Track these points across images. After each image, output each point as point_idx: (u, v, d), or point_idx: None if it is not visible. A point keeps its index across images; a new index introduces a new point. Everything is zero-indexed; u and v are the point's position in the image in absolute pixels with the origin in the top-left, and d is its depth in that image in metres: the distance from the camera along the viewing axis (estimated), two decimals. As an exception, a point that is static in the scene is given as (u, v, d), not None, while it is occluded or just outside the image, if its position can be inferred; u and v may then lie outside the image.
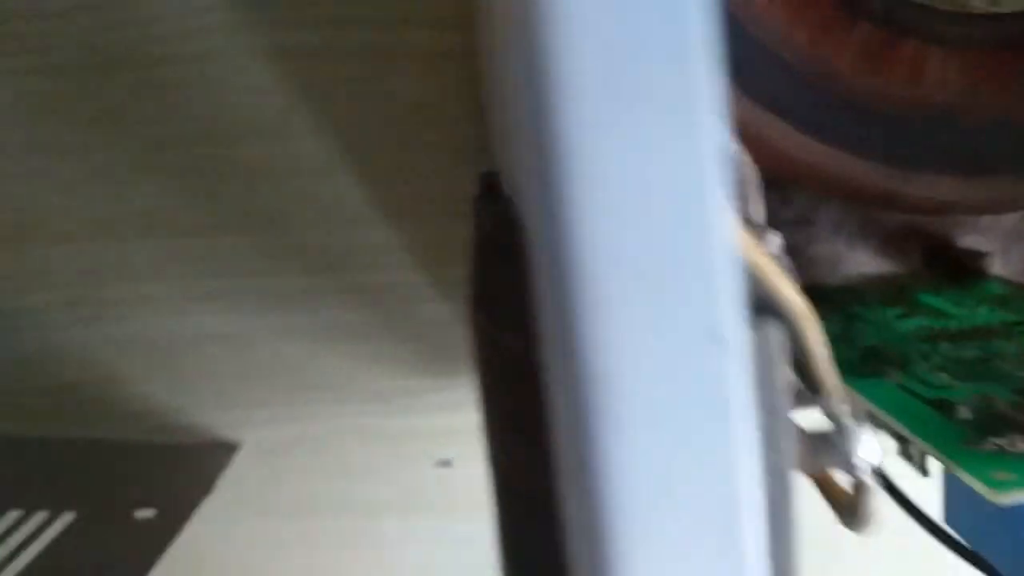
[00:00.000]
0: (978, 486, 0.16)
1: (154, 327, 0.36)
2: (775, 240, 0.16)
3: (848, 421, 0.13)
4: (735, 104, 0.22)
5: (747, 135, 0.22)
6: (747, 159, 0.15)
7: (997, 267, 0.32)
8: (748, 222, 0.16)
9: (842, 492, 0.14)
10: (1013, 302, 0.26)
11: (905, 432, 0.18)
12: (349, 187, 0.36)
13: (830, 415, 0.13)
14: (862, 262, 0.32)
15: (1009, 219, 0.32)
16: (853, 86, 0.23)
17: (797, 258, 0.31)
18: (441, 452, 0.38)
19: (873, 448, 0.13)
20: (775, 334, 0.13)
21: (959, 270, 0.30)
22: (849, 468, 0.13)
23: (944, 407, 0.19)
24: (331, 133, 0.36)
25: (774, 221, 0.32)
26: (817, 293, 0.29)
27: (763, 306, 0.13)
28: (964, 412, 0.19)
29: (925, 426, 0.18)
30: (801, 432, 0.13)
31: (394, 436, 0.38)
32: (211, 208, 0.36)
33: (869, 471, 0.13)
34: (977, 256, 0.30)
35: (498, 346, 0.11)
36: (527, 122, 0.09)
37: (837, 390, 0.13)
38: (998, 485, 0.16)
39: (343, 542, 0.38)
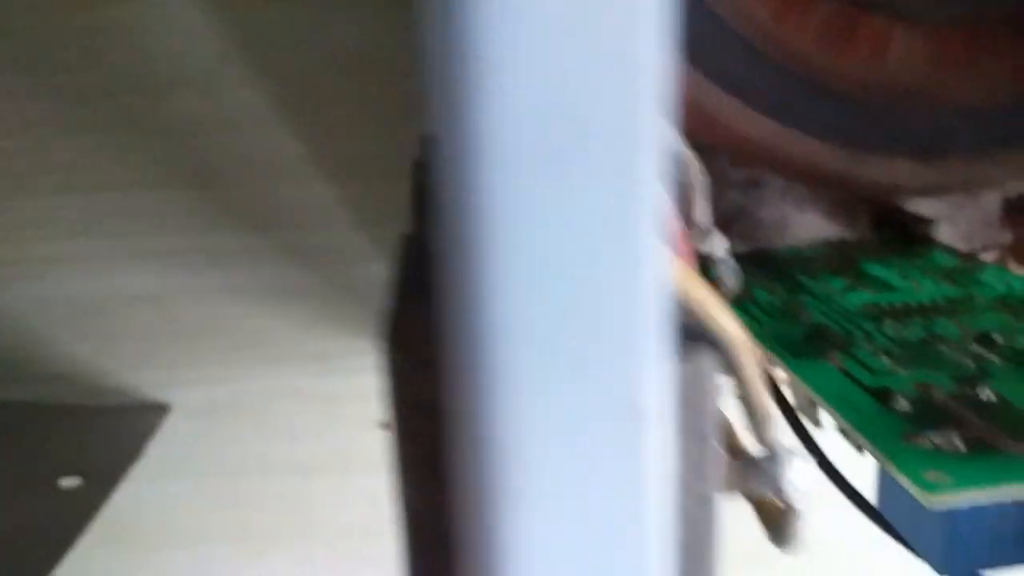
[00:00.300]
0: (910, 487, 0.16)
1: (80, 287, 0.35)
2: (720, 243, 0.16)
3: (780, 449, 0.12)
4: (690, 81, 0.21)
5: (701, 113, 0.21)
6: (694, 163, 0.15)
7: (944, 233, 0.32)
8: (692, 226, 0.15)
9: (774, 511, 0.13)
10: (958, 275, 0.25)
11: (844, 424, 0.18)
12: (286, 142, 0.34)
13: (763, 441, 0.13)
14: (810, 226, 0.31)
15: (959, 184, 0.31)
16: (814, 65, 0.22)
17: (745, 221, 0.31)
18: (381, 414, 0.37)
19: (803, 474, 0.13)
20: (708, 362, 0.12)
21: (906, 236, 0.30)
22: (778, 493, 0.12)
23: (884, 397, 0.19)
24: (267, 84, 0.34)
25: (723, 183, 0.31)
26: (763, 259, 0.29)
27: (697, 333, 0.12)
28: (903, 403, 0.18)
29: (863, 417, 0.18)
30: (734, 461, 0.13)
31: (331, 398, 0.37)
32: (138, 163, 0.34)
33: (798, 496, 0.12)
34: (924, 222, 0.30)
35: (409, 385, 0.10)
36: (446, 164, 0.08)
37: (769, 418, 0.12)
38: (930, 487, 0.15)
39: (278, 504, 0.38)
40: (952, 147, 0.23)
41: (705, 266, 0.18)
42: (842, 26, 0.22)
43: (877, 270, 0.26)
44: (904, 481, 0.16)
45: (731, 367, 0.12)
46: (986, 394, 0.18)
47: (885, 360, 0.20)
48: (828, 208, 0.31)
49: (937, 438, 0.17)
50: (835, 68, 0.22)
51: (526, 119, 0.07)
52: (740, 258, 0.29)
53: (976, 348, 0.20)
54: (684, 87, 0.21)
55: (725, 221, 0.31)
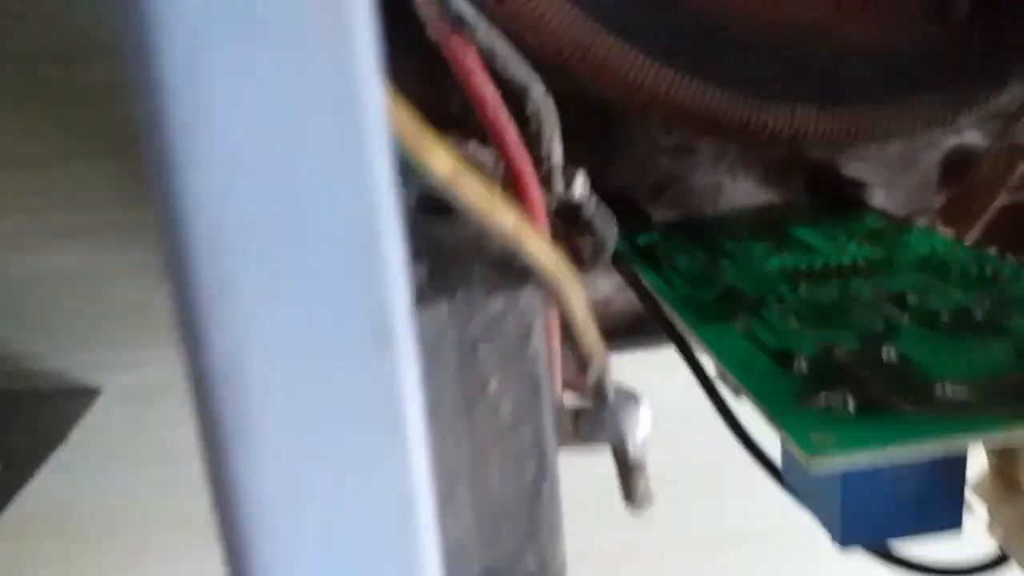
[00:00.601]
0: (794, 448, 0.15)
1: (1, 265, 0.33)
2: (579, 179, 0.15)
3: (613, 395, 0.12)
4: (577, 24, 0.20)
5: (589, 57, 0.20)
6: (546, 98, 0.14)
7: (880, 199, 0.31)
8: (540, 163, 0.14)
9: (623, 466, 0.13)
10: (884, 237, 0.25)
11: (741, 387, 0.17)
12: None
13: (595, 389, 0.12)
14: (745, 192, 0.31)
15: (894, 148, 0.31)
16: (706, 8, 0.21)
17: (678, 187, 0.30)
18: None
19: (644, 423, 0.12)
20: (533, 301, 0.11)
21: (841, 201, 0.29)
22: (620, 445, 0.12)
23: (784, 359, 0.18)
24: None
25: (654, 149, 0.30)
26: (693, 226, 0.28)
27: (523, 271, 0.11)
28: (802, 365, 0.18)
29: (759, 380, 0.17)
30: (569, 408, 0.12)
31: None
32: (58, 135, 0.33)
33: (638, 448, 0.12)
34: (859, 186, 0.29)
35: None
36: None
37: (598, 360, 0.12)
38: (812, 448, 0.15)
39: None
40: (856, 93, 0.22)
41: (576, 216, 0.17)
42: None
43: (803, 233, 0.26)
44: (789, 443, 0.15)
45: (553, 304, 0.11)
46: (889, 353, 0.18)
47: (792, 321, 0.20)
48: (762, 174, 0.30)
49: (830, 399, 0.16)
50: (728, 10, 0.21)
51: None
52: (671, 225, 0.29)
53: (888, 308, 0.20)
54: (571, 31, 0.20)
55: (657, 188, 0.30)
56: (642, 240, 0.27)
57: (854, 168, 0.30)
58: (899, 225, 0.26)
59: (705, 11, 0.21)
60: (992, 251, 0.23)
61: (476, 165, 0.10)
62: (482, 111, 0.13)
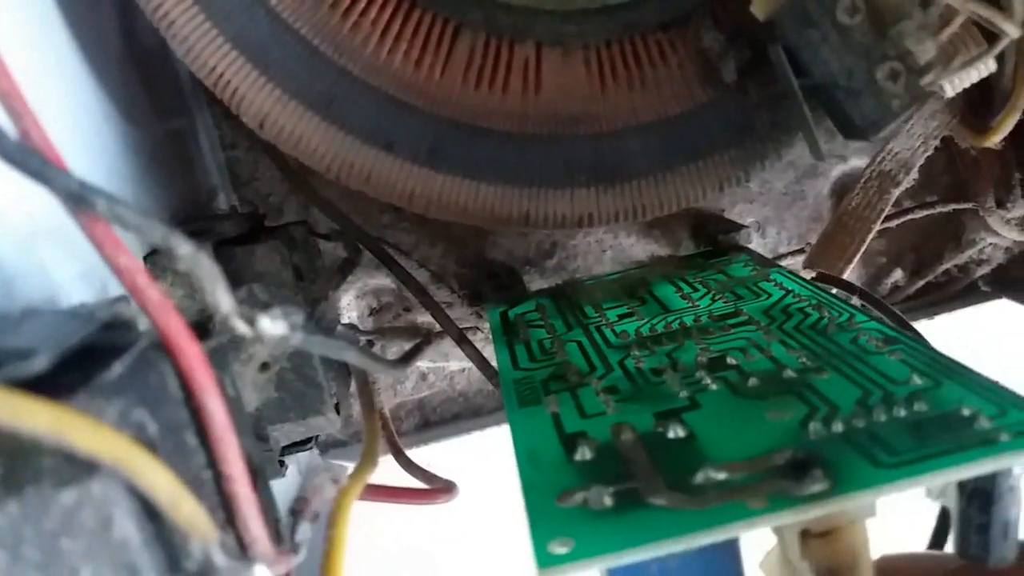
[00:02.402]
0: (534, 557, 0.14)
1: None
2: (263, 319, 0.14)
3: (223, 565, 0.11)
4: (333, 136, 0.19)
5: (359, 173, 0.20)
6: (196, 252, 0.13)
7: (772, 235, 0.30)
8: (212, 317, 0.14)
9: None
10: (742, 287, 0.24)
11: (520, 482, 0.17)
12: None
13: (202, 566, 0.11)
14: (628, 246, 0.30)
15: (779, 184, 0.30)
16: (465, 106, 0.20)
17: (560, 253, 0.29)
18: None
19: None
20: (110, 488, 0.11)
21: (720, 246, 0.28)
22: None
23: (571, 445, 0.17)
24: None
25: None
26: (565, 292, 0.27)
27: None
28: (586, 452, 0.17)
29: (540, 471, 0.16)
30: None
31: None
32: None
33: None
34: (736, 228, 0.28)
35: None
36: None
37: (204, 535, 0.11)
38: (547, 560, 0.14)
39: None
40: (634, 169, 0.21)
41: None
42: (487, 63, 0.20)
43: (664, 291, 0.25)
44: (532, 550, 0.14)
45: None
46: (675, 431, 0.17)
47: (603, 399, 0.19)
48: (645, 228, 0.29)
49: (588, 496, 0.15)
50: (488, 106, 0.21)
51: None
52: (548, 292, 0.28)
53: (702, 374, 0.19)
54: (331, 148, 0.20)
55: (539, 256, 0.30)
56: (513, 313, 0.26)
57: (738, 210, 0.29)
58: (762, 270, 0.24)
59: (463, 114, 0.21)
60: (841, 292, 0.22)
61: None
62: (119, 278, 0.12)
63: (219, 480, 0.13)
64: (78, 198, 0.12)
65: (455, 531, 0.38)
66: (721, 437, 0.16)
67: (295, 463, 0.26)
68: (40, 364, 0.11)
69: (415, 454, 0.28)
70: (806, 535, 0.14)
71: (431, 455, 0.30)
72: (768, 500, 0.14)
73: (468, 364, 0.31)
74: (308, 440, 0.24)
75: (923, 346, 0.18)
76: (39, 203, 0.16)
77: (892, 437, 0.15)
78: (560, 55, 0.21)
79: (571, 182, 0.21)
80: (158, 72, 0.24)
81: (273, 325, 0.13)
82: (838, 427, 0.15)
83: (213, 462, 0.13)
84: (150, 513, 0.11)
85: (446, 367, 0.31)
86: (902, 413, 0.16)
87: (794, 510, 0.14)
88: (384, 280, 0.29)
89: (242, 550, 0.13)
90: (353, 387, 0.23)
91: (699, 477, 0.15)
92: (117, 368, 0.12)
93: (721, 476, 0.15)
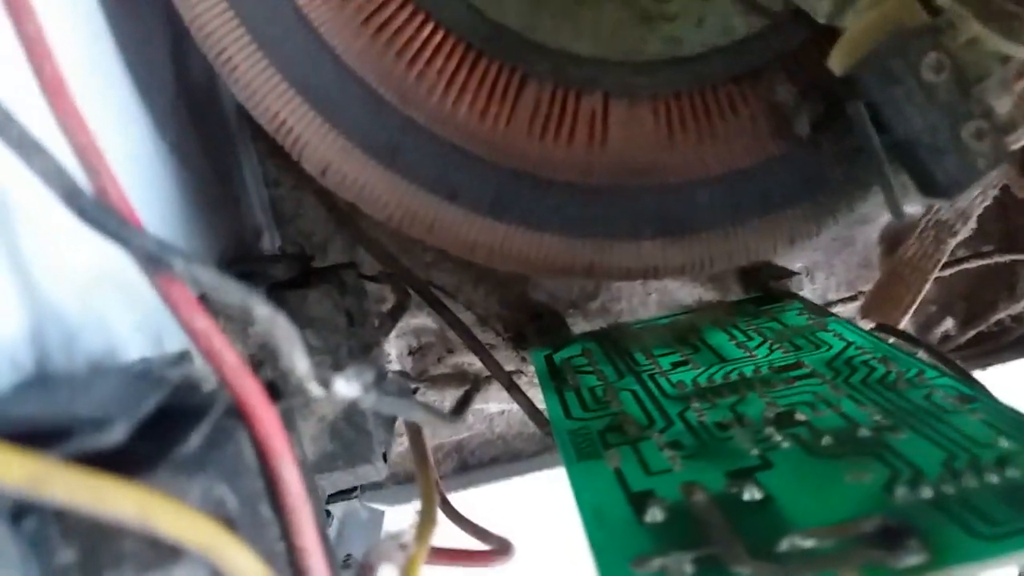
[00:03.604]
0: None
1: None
2: (339, 380, 0.14)
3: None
4: (397, 186, 0.19)
5: (422, 223, 0.19)
6: (274, 313, 0.13)
7: (820, 282, 0.30)
8: (287, 379, 0.13)
9: None
10: (800, 336, 0.23)
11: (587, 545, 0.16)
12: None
13: None
14: (675, 290, 0.29)
15: (826, 231, 0.29)
16: (531, 157, 0.20)
17: (604, 297, 0.29)
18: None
19: None
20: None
21: (771, 293, 0.27)
22: None
23: (641, 504, 0.16)
24: None
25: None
26: (612, 336, 0.27)
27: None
28: (657, 513, 0.16)
29: (603, 531, 0.16)
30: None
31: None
32: None
33: None
34: (788, 275, 0.27)
35: None
36: None
37: None
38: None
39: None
40: (703, 222, 0.21)
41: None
42: (553, 114, 0.20)
43: (717, 339, 0.24)
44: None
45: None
46: (751, 492, 0.16)
47: (667, 455, 0.18)
48: (690, 270, 0.29)
49: (666, 562, 0.14)
50: (553, 157, 0.20)
51: None
52: (593, 335, 0.27)
53: (772, 431, 0.18)
54: (395, 197, 0.19)
55: (583, 298, 0.29)
56: (559, 357, 0.26)
57: (788, 257, 0.29)
58: (818, 319, 0.24)
59: (528, 165, 0.20)
60: (906, 343, 0.21)
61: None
62: (195, 341, 0.12)
63: (292, 552, 0.13)
64: (156, 260, 0.12)
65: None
66: (800, 500, 0.15)
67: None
68: (117, 435, 0.11)
69: (453, 499, 0.27)
70: (900, 609, 0.14)
71: (468, 500, 0.29)
72: (861, 572, 0.13)
73: (508, 406, 0.30)
74: (353, 489, 0.23)
75: (1001, 405, 0.18)
76: (99, 251, 0.16)
77: (987, 506, 0.14)
78: (627, 106, 0.20)
79: (637, 234, 0.21)
80: (206, 110, 0.24)
81: (348, 387, 0.13)
82: (927, 493, 0.15)
83: (287, 534, 0.13)
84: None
85: (485, 408, 0.30)
86: (994, 479, 0.15)
87: (891, 583, 0.13)
88: (424, 320, 0.28)
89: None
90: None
91: (784, 545, 0.14)
92: (195, 440, 0.11)
93: (808, 544, 0.14)
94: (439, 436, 0.28)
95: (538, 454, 0.30)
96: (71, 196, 0.11)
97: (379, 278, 0.24)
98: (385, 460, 0.22)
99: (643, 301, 0.29)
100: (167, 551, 0.10)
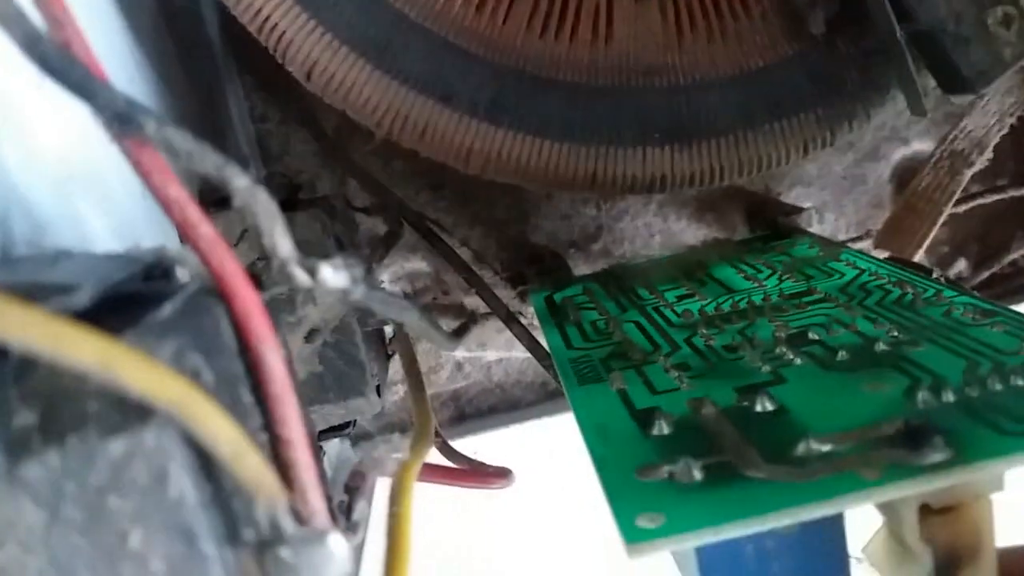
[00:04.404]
0: (619, 535, 0.13)
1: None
2: (325, 268, 0.13)
3: (293, 533, 0.10)
4: (392, 91, 0.18)
5: (413, 127, 0.18)
6: (254, 188, 0.12)
7: (831, 222, 0.29)
8: (268, 260, 0.12)
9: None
10: (811, 266, 0.22)
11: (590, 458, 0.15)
12: None
13: (271, 529, 0.10)
14: (679, 231, 0.28)
15: (838, 167, 0.28)
16: (529, 55, 0.19)
17: (606, 237, 0.28)
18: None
19: (338, 561, 0.10)
20: (165, 439, 0.09)
21: (778, 230, 0.27)
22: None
23: (646, 420, 0.15)
24: None
25: (577, 201, 0.28)
26: (615, 275, 0.26)
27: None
28: (663, 426, 0.15)
29: (609, 446, 0.15)
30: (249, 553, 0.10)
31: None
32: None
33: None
34: (796, 211, 0.27)
35: None
36: None
37: (270, 495, 0.10)
38: (636, 535, 0.12)
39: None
40: (711, 128, 0.20)
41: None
42: (554, 8, 0.19)
43: (725, 273, 0.23)
44: (617, 528, 0.13)
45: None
46: (763, 405, 0.15)
47: (673, 375, 0.17)
48: (695, 211, 0.28)
49: (674, 468, 0.14)
50: (555, 56, 0.19)
51: None
52: (597, 275, 0.27)
53: (784, 350, 0.17)
54: (385, 99, 0.18)
55: (584, 240, 0.28)
56: (559, 296, 0.25)
57: (795, 194, 0.28)
58: (830, 251, 0.23)
59: (527, 64, 0.19)
60: (921, 272, 0.20)
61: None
62: (168, 211, 0.11)
63: (276, 444, 0.12)
64: (124, 118, 0.11)
65: (496, 526, 0.36)
66: (817, 409, 0.15)
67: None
68: (82, 299, 0.10)
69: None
70: (925, 511, 0.13)
71: (466, 448, 0.28)
72: (884, 471, 0.12)
73: (506, 354, 0.29)
74: (345, 425, 0.22)
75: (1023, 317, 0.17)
76: (75, 145, 0.15)
77: (1015, 405, 0.13)
78: (633, 1, 0.19)
79: (643, 140, 0.19)
80: (190, 36, 0.23)
81: (335, 276, 0.12)
82: (949, 397, 0.14)
83: (270, 424, 0.12)
84: (209, 470, 0.10)
85: (483, 356, 0.29)
86: (1020, 382, 0.14)
87: (915, 481, 0.12)
88: (420, 264, 0.27)
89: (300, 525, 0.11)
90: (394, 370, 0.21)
91: (800, 448, 0.13)
92: (168, 309, 0.10)
93: (826, 448, 0.13)
94: (432, 351, 0.27)
95: (537, 402, 0.30)
96: (32, 43, 0.10)
97: (370, 210, 0.23)
98: (379, 394, 0.21)
99: (647, 243, 0.28)
100: (135, 413, 0.09)
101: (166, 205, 0.11)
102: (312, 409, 0.21)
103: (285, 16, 0.17)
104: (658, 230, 0.28)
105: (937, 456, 0.12)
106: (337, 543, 0.09)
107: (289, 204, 0.21)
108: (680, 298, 0.22)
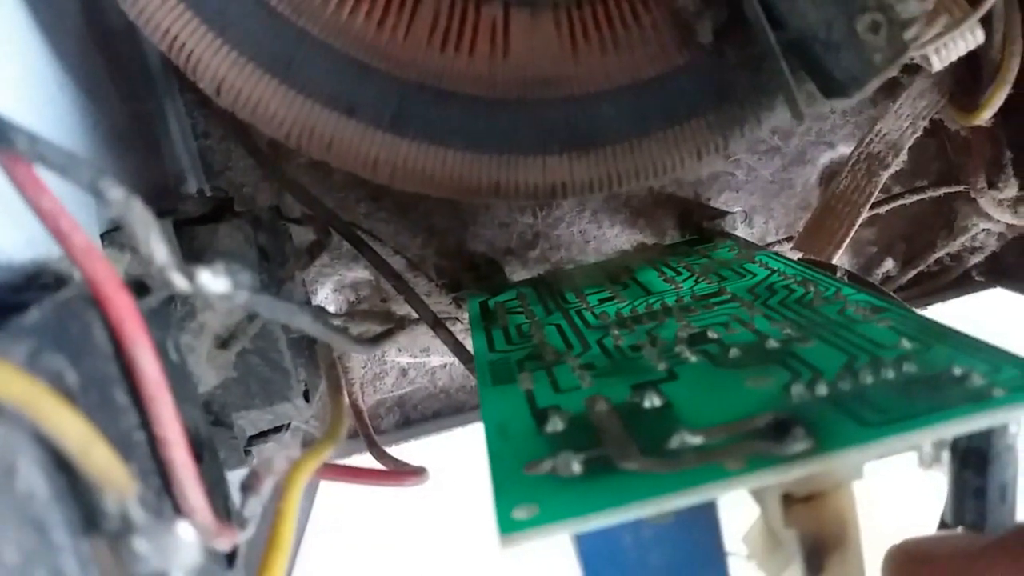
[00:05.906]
0: (497, 525, 0.13)
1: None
2: (203, 273, 0.13)
3: (143, 523, 0.10)
4: (290, 100, 0.18)
5: (320, 139, 0.19)
6: (129, 197, 0.12)
7: (760, 224, 0.29)
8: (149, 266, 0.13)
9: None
10: (727, 268, 0.23)
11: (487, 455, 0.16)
12: None
13: (121, 519, 0.10)
14: (612, 236, 0.29)
15: (765, 172, 0.29)
16: (430, 69, 0.20)
17: (543, 244, 0.29)
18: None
19: (186, 550, 0.10)
20: (12, 436, 0.10)
21: (706, 233, 0.27)
22: None
23: (543, 418, 0.16)
24: None
25: (514, 209, 0.29)
26: (547, 281, 0.26)
27: None
28: (557, 423, 0.16)
29: (506, 443, 0.16)
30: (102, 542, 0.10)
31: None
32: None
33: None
34: (721, 215, 0.27)
35: None
36: None
37: (120, 487, 0.10)
38: (510, 527, 0.13)
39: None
40: (607, 136, 0.20)
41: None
42: (453, 24, 0.20)
43: (646, 275, 0.24)
44: (495, 519, 0.13)
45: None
46: (651, 400, 0.16)
47: (577, 374, 0.18)
48: (629, 217, 0.29)
49: (556, 462, 0.14)
50: (455, 69, 0.20)
51: None
52: (530, 282, 0.27)
53: (681, 348, 0.18)
54: (291, 113, 0.19)
55: (522, 247, 0.29)
56: (493, 302, 0.25)
57: (725, 198, 0.29)
58: (748, 253, 0.24)
59: (428, 77, 0.20)
60: (828, 271, 0.21)
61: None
62: (43, 222, 0.12)
63: (153, 444, 0.12)
64: (-6, 138, 0.11)
65: (431, 526, 0.37)
66: (698, 405, 0.15)
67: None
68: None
69: (394, 452, 0.27)
70: (789, 500, 0.14)
71: (411, 453, 0.29)
72: (747, 461, 0.13)
73: (450, 359, 0.30)
74: (278, 429, 0.23)
75: (912, 314, 0.17)
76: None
77: (879, 397, 0.14)
78: (529, 15, 0.20)
79: (543, 149, 0.20)
80: (125, 54, 0.24)
81: (214, 281, 0.13)
82: (822, 390, 0.15)
83: (147, 424, 0.12)
84: (61, 465, 0.10)
85: (427, 362, 0.30)
86: (890, 375, 0.15)
87: (774, 470, 0.13)
88: (362, 272, 0.28)
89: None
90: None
91: (674, 442, 0.14)
92: (34, 314, 0.11)
93: (697, 440, 0.14)
94: (361, 377, 0.28)
95: (479, 406, 0.30)
96: None
97: (302, 220, 0.23)
98: (307, 400, 0.22)
99: (582, 249, 0.29)
100: (-15, 412, 0.09)
101: (40, 216, 0.12)
102: (239, 415, 0.21)
103: (192, 35, 0.18)
104: (593, 236, 0.29)
105: (798, 446, 0.13)
106: (186, 531, 0.10)
107: (218, 213, 0.21)
108: (602, 301, 0.23)
